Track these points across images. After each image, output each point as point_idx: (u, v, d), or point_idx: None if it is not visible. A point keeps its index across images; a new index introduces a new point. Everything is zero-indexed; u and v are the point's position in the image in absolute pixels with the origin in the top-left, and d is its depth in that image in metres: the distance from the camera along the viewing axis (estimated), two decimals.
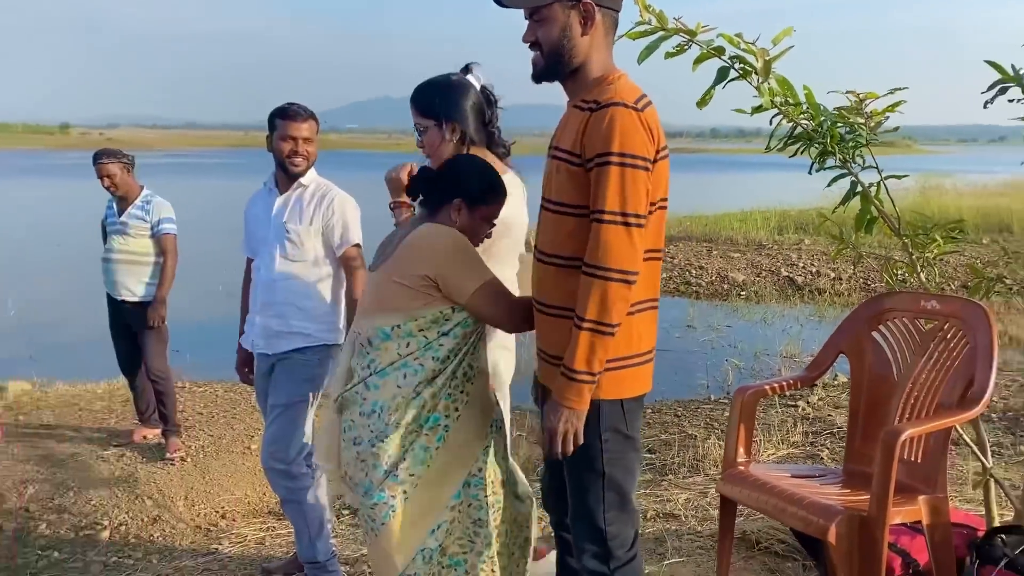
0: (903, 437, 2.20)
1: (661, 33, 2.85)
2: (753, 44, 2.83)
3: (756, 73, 2.91)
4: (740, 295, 11.52)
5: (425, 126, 2.45)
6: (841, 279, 11.74)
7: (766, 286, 11.80)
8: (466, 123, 2.44)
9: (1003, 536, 2.68)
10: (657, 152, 1.90)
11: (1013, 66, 2.89)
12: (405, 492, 2.16)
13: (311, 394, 3.08)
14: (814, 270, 12.22)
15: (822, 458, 4.70)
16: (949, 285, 10.54)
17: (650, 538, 3.34)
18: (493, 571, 2.27)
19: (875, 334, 2.74)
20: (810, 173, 3.07)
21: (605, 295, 1.82)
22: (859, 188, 3.00)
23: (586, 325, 1.83)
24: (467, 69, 2.53)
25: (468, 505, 2.24)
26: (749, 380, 6.97)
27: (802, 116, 3.01)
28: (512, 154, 2.64)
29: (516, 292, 2.55)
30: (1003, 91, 2.90)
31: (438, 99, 2.44)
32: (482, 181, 2.31)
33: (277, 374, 3.08)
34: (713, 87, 3.00)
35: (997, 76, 2.83)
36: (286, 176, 3.08)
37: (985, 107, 2.92)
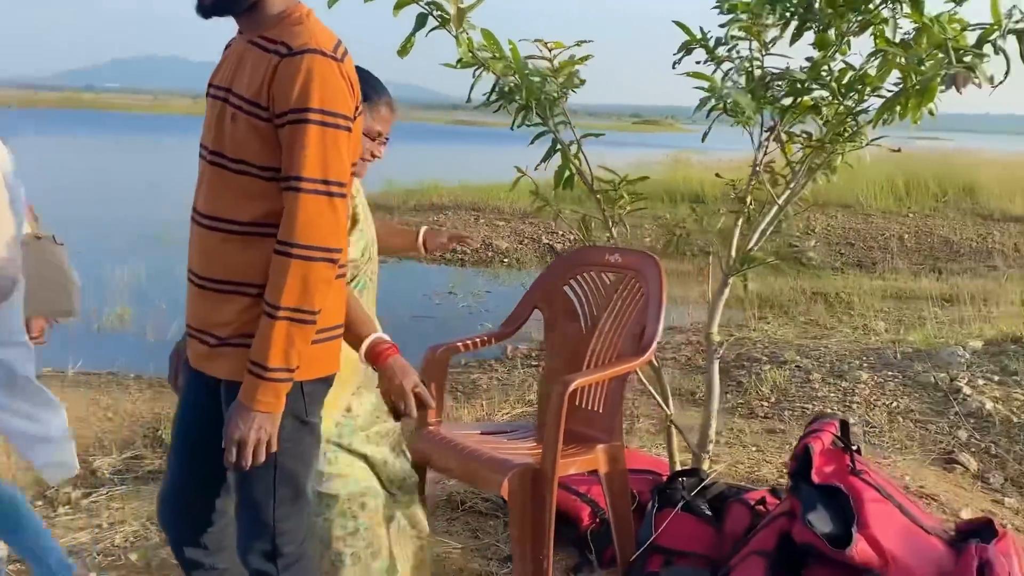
0: (572, 387, 2.21)
1: None
2: None
3: (451, 22, 2.83)
4: (503, 262, 11.72)
5: None
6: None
7: (528, 253, 12.10)
8: None
9: (683, 479, 2.82)
10: (356, 108, 1.67)
11: (701, 28, 3.01)
12: None
13: None
14: (572, 237, 12.67)
15: None
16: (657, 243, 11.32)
17: None
18: None
19: (567, 288, 2.76)
20: (512, 129, 3.05)
21: (307, 277, 1.56)
22: (559, 146, 3.04)
23: (282, 314, 1.56)
24: None
25: None
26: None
27: (508, 72, 2.97)
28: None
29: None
30: (689, 52, 3.02)
31: None
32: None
33: None
34: (412, 35, 2.89)
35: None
36: None
37: (673, 67, 3.03)
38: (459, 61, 2.92)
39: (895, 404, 4.61)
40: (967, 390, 4.59)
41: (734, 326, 7.20)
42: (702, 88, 2.62)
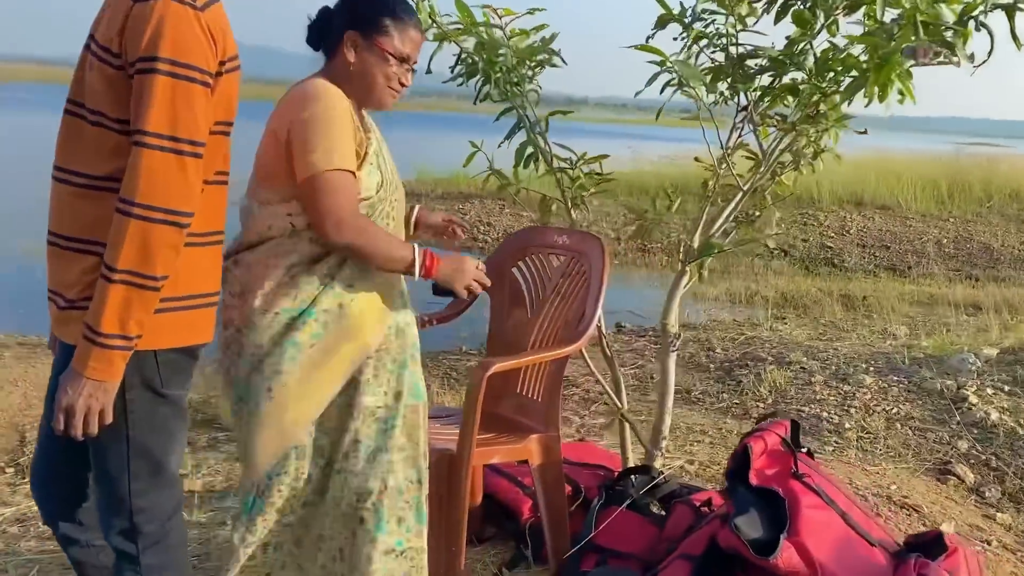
0: (491, 371, 2.09)
1: None
2: None
3: None
4: None
5: None
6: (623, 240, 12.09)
7: None
8: None
9: (635, 477, 2.69)
10: (223, 64, 1.57)
11: (682, 3, 2.85)
12: (270, 390, 1.85)
13: None
14: (609, 232, 12.52)
15: None
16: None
17: None
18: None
19: (515, 270, 2.64)
20: (475, 103, 2.93)
21: (147, 240, 1.46)
22: (523, 124, 2.92)
23: (118, 277, 1.45)
24: None
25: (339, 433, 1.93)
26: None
27: (478, 48, 2.85)
28: None
29: None
30: (664, 26, 2.86)
31: None
32: (376, 1, 1.91)
33: None
34: None
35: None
36: None
37: (647, 42, 2.88)
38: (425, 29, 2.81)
39: (895, 410, 4.40)
40: (973, 399, 4.36)
41: (748, 325, 6.99)
42: (655, 63, 2.47)
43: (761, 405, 4.63)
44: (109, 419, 1.53)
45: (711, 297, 8.55)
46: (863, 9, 2.72)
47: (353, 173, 1.83)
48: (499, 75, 2.80)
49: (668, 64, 2.42)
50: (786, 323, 7.20)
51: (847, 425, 4.25)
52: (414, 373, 2.01)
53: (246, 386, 1.89)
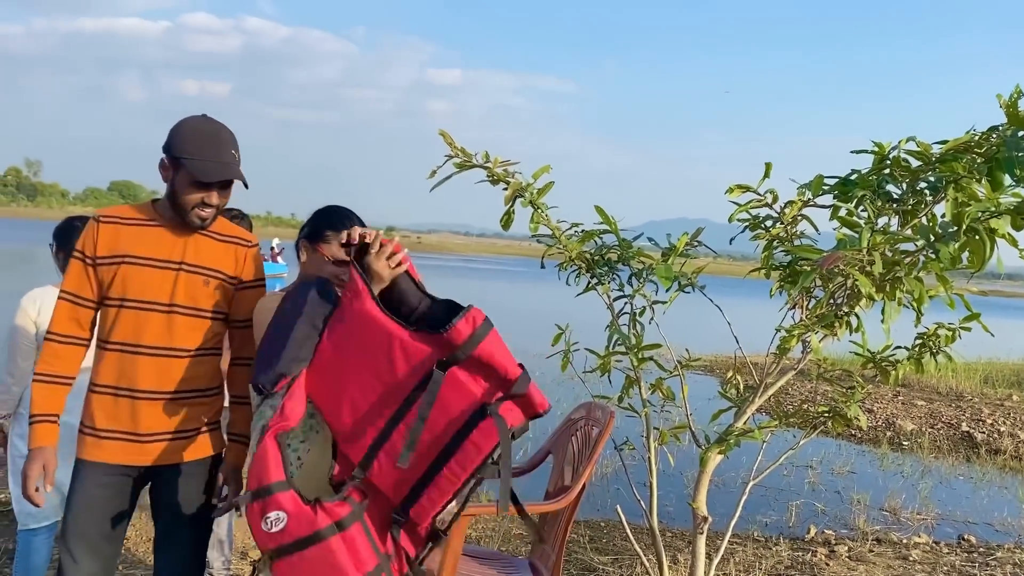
0: None
1: (457, 162, 3.36)
2: (513, 175, 3.27)
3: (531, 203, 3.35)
4: (903, 445, 10.61)
5: None
6: None
7: (938, 438, 10.76)
8: None
9: None
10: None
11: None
12: None
13: None
14: (1003, 429, 10.93)
15: None
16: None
17: None
18: None
19: (573, 438, 3.00)
20: (567, 283, 3.36)
21: None
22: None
23: None
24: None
25: None
26: (820, 520, 6.63)
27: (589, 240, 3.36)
28: None
29: None
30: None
31: None
32: (316, 217, 2.38)
33: None
34: (510, 211, 3.45)
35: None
36: None
37: (731, 242, 3.13)
38: (534, 235, 3.39)
39: None
40: None
41: None
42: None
43: None
44: None
45: None
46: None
47: None
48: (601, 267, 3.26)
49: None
50: None
51: None
52: None
53: None
